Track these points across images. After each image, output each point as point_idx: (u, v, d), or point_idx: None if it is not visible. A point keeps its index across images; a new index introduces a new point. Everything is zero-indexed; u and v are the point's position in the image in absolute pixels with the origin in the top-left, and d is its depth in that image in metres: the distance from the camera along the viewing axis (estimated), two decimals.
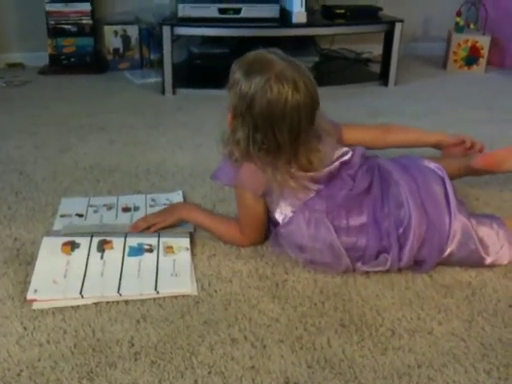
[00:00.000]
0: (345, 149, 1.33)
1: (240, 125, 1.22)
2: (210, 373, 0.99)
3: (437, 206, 1.25)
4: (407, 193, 1.24)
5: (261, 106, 1.17)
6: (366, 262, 1.25)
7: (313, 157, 1.24)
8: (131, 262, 1.28)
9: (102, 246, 1.33)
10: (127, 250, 1.32)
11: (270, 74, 1.17)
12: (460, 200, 1.31)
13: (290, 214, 1.28)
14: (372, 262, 1.25)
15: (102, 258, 1.29)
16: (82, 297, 1.17)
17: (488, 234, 1.28)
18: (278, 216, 1.29)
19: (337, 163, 1.29)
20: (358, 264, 1.25)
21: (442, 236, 1.23)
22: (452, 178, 1.35)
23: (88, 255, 1.29)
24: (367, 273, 1.27)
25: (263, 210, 1.31)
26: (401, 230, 1.23)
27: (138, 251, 1.32)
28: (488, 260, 1.27)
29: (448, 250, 1.24)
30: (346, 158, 1.31)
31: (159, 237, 1.36)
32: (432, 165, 1.33)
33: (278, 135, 1.19)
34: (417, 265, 1.27)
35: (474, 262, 1.27)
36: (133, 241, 1.35)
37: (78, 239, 1.34)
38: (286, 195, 1.27)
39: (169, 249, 1.33)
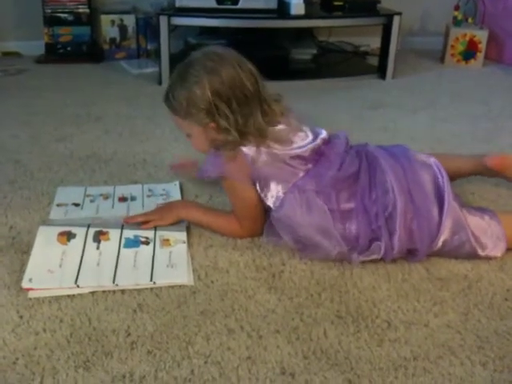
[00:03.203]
0: (319, 130, 1.37)
1: (219, 118, 1.25)
2: (206, 362, 0.99)
3: (424, 193, 1.26)
4: (392, 179, 1.26)
5: (221, 87, 1.23)
6: (361, 251, 1.25)
7: (276, 105, 1.31)
8: (127, 253, 1.28)
9: (98, 237, 1.32)
10: (123, 241, 1.31)
11: (199, 69, 1.25)
12: (453, 191, 1.31)
13: (282, 196, 1.28)
14: (366, 251, 1.25)
15: (97, 248, 1.28)
16: (78, 286, 1.16)
17: (480, 225, 1.29)
18: (270, 200, 1.29)
19: (318, 140, 1.32)
20: (354, 255, 1.25)
21: (431, 223, 1.24)
22: (461, 175, 1.41)
23: (84, 245, 1.29)
24: (363, 265, 1.27)
25: (257, 198, 1.31)
26: (386, 214, 1.24)
27: (134, 243, 1.31)
28: (480, 251, 1.27)
29: (441, 239, 1.24)
30: (323, 135, 1.34)
31: (156, 230, 1.36)
32: (431, 160, 1.33)
33: (245, 91, 1.24)
34: (410, 254, 1.28)
35: (467, 252, 1.28)
36: (129, 233, 1.34)
37: (74, 229, 1.33)
38: (276, 175, 1.28)
39: (165, 241, 1.32)
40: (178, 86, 1.28)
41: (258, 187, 1.30)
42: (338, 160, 1.30)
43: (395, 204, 1.23)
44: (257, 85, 1.27)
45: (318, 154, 1.31)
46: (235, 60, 1.26)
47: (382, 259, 1.27)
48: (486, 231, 1.29)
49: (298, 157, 1.29)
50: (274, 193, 1.29)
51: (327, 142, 1.34)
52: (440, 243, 1.25)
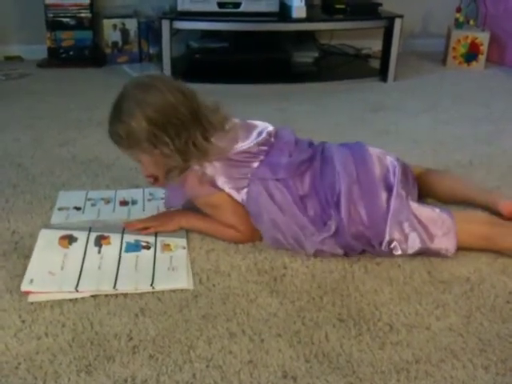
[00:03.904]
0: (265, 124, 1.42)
1: (163, 145, 1.27)
2: (208, 366, 0.99)
3: (371, 180, 1.31)
4: (340, 163, 1.32)
5: (154, 115, 1.25)
6: (319, 231, 1.28)
7: (215, 116, 1.33)
8: (128, 257, 1.28)
9: (100, 241, 1.32)
10: (124, 245, 1.32)
11: (130, 102, 1.29)
12: (409, 184, 1.37)
13: (245, 191, 1.32)
14: (322, 230, 1.28)
15: (99, 252, 1.29)
16: (77, 291, 1.16)
17: (430, 216, 1.31)
18: (238, 198, 1.33)
19: (264, 134, 1.37)
20: (314, 237, 1.28)
21: (380, 208, 1.28)
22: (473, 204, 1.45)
23: (85, 249, 1.29)
24: (365, 268, 1.27)
25: (232, 198, 1.33)
26: (335, 197, 1.28)
27: (135, 247, 1.31)
28: (428, 242, 1.28)
29: (393, 226, 1.27)
30: (269, 129, 1.39)
31: (156, 235, 1.36)
32: (388, 157, 1.36)
33: (179, 114, 1.26)
34: (369, 244, 1.29)
35: (419, 242, 1.28)
36: (130, 237, 1.34)
37: (75, 233, 1.34)
38: (229, 176, 1.32)
39: (166, 246, 1.32)
40: (116, 121, 1.32)
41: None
42: (288, 148, 1.36)
43: (341, 186, 1.28)
44: (189, 102, 1.29)
45: (267, 146, 1.36)
46: (163, 85, 1.28)
47: (381, 262, 1.27)
48: (435, 222, 1.30)
49: (245, 152, 1.33)
50: (238, 191, 1.33)
51: (274, 134, 1.39)
52: (392, 230, 1.27)
